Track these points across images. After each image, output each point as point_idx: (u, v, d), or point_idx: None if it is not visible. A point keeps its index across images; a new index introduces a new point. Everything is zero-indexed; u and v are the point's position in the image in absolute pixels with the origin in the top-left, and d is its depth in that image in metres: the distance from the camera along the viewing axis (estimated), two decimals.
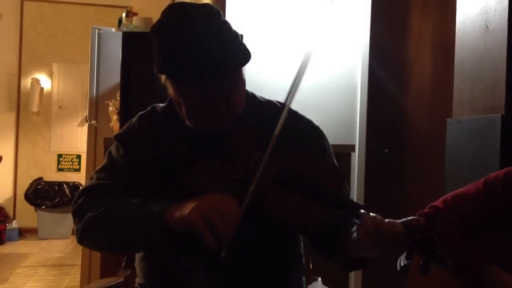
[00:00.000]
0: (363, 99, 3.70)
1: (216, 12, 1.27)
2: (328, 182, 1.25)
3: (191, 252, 1.29)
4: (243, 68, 1.33)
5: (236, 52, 1.27)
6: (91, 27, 3.89)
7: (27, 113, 6.71)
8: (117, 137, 1.49)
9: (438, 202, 1.68)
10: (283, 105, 1.33)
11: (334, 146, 1.54)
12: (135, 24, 3.68)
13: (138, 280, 1.48)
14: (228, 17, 1.32)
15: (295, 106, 1.48)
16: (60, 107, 6.77)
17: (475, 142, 2.39)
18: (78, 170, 6.72)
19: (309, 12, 3.60)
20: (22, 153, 6.73)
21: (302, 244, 1.50)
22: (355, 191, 3.66)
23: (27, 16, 6.68)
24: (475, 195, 1.63)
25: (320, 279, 1.90)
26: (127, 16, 3.86)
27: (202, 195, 1.24)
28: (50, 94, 6.78)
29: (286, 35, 3.60)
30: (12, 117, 6.69)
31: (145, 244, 1.32)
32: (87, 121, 3.90)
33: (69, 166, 6.78)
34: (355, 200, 3.40)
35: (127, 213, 1.28)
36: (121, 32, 3.40)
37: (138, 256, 1.48)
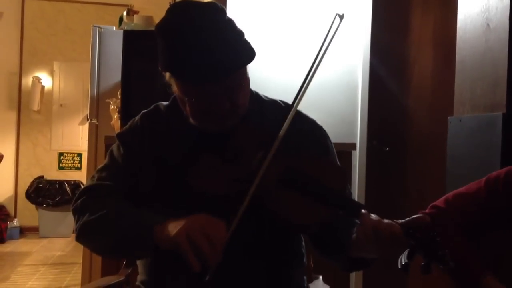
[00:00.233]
0: (364, 97, 3.70)
1: (221, 10, 1.28)
2: (331, 182, 1.25)
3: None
4: (247, 66, 1.33)
5: (240, 50, 1.28)
6: (92, 25, 3.89)
7: (28, 112, 6.71)
8: (119, 135, 1.49)
9: (440, 202, 1.68)
10: (290, 106, 1.33)
11: (335, 144, 1.54)
12: (136, 23, 3.67)
13: (140, 277, 1.48)
14: (230, 16, 1.33)
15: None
16: (61, 105, 6.77)
17: (476, 141, 2.39)
18: (79, 168, 6.72)
19: (312, 12, 3.60)
20: (23, 151, 6.73)
21: (303, 243, 1.50)
22: (356, 190, 3.66)
23: (28, 15, 6.68)
24: (476, 194, 1.62)
25: (321, 277, 1.90)
26: (128, 14, 3.86)
27: (203, 194, 1.24)
28: (51, 92, 6.78)
29: (288, 33, 3.60)
30: (13, 115, 6.69)
31: (134, 256, 1.36)
32: (88, 120, 3.91)
33: (70, 165, 6.79)
34: (356, 199, 3.40)
35: (119, 224, 1.28)
36: (122, 31, 3.41)
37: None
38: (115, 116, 3.48)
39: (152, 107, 1.52)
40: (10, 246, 5.90)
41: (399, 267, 1.17)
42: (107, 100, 3.61)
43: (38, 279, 4.63)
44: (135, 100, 3.06)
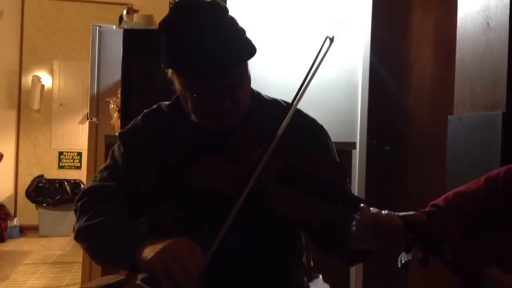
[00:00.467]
0: (364, 96, 3.70)
1: (223, 9, 1.30)
2: (330, 177, 1.26)
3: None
4: (248, 65, 1.34)
5: (241, 47, 1.29)
6: (92, 24, 3.89)
7: (28, 111, 6.71)
8: (120, 135, 1.51)
9: (440, 201, 1.68)
10: (289, 105, 1.34)
11: (335, 143, 1.54)
12: (136, 21, 3.67)
13: (140, 275, 1.48)
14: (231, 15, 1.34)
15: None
16: (61, 104, 6.76)
17: (476, 139, 2.39)
18: (79, 167, 6.72)
19: (312, 11, 3.60)
20: (23, 150, 6.73)
21: (303, 241, 1.50)
22: (356, 189, 3.66)
23: (27, 14, 6.67)
24: (476, 193, 1.63)
25: (321, 276, 1.90)
26: (128, 13, 3.86)
27: (204, 191, 1.25)
28: (51, 91, 6.78)
29: (288, 33, 3.60)
30: (13, 114, 6.69)
31: (117, 267, 1.39)
32: (88, 119, 3.91)
33: (70, 164, 6.79)
34: None
35: (108, 238, 1.30)
36: (122, 30, 3.40)
37: None
38: (115, 115, 3.48)
39: (154, 106, 1.53)
40: (10, 245, 5.90)
41: (399, 266, 1.17)
42: (107, 99, 3.61)
43: (38, 278, 4.63)
44: (135, 99, 3.06)
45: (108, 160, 1.48)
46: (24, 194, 6.47)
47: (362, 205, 1.18)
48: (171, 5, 3.33)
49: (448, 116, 2.70)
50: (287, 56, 3.58)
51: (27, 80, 6.70)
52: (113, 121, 3.52)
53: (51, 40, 6.71)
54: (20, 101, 6.71)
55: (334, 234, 1.32)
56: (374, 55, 3.69)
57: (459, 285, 1.57)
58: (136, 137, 1.45)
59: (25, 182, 6.58)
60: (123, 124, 2.96)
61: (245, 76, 1.34)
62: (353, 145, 3.45)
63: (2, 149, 6.21)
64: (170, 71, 1.34)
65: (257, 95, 1.49)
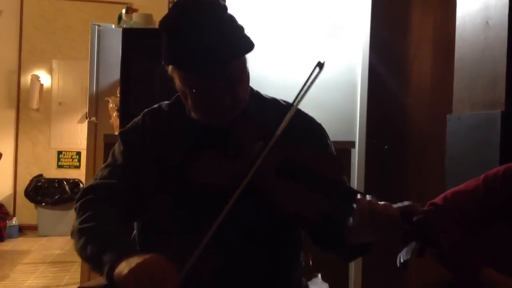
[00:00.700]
0: (363, 95, 3.70)
1: (222, 7, 1.33)
2: (328, 171, 1.27)
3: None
4: (247, 62, 1.36)
5: (239, 42, 1.32)
6: (91, 23, 3.89)
7: (27, 110, 6.71)
8: (120, 134, 1.52)
9: (438, 199, 1.68)
10: (290, 105, 1.35)
11: (334, 142, 1.55)
12: (135, 21, 3.67)
13: None
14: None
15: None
16: (60, 104, 6.76)
17: (475, 139, 2.39)
18: (78, 167, 6.72)
19: (311, 10, 3.59)
20: (22, 150, 6.73)
21: (302, 239, 1.51)
22: (355, 188, 3.66)
23: (26, 13, 6.67)
24: (475, 192, 1.63)
25: (320, 275, 1.91)
26: (127, 12, 3.86)
27: (205, 187, 1.26)
28: (50, 90, 6.77)
29: (288, 32, 3.60)
30: (12, 114, 6.68)
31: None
32: (87, 118, 3.90)
33: (69, 163, 6.78)
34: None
35: (96, 245, 1.31)
36: (121, 29, 3.40)
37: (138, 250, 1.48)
38: (114, 114, 3.48)
39: (155, 106, 1.54)
40: (9, 245, 5.90)
41: (398, 265, 1.18)
42: (106, 99, 3.61)
43: (37, 278, 4.63)
44: (134, 98, 3.06)
45: (109, 159, 1.49)
46: (23, 194, 6.47)
47: (359, 195, 1.19)
48: (170, 4, 3.33)
49: (447, 115, 2.70)
50: (286, 55, 3.57)
51: (26, 79, 6.69)
52: (112, 120, 3.52)
53: (50, 39, 6.70)
54: (19, 100, 6.71)
55: (333, 230, 1.33)
56: (374, 54, 3.68)
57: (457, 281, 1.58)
58: (137, 136, 1.47)
59: (24, 181, 6.58)
60: (122, 124, 2.95)
61: (244, 72, 1.36)
62: (352, 144, 3.45)
63: (1, 149, 6.21)
64: (170, 68, 1.36)
65: (256, 94, 1.51)
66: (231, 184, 1.25)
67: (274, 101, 1.51)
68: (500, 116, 2.17)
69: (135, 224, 1.49)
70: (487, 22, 2.37)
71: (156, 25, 1.37)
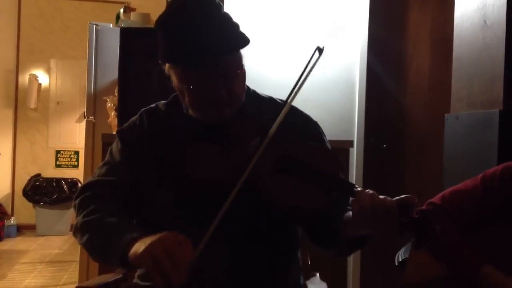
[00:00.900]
0: (361, 94, 3.70)
1: (218, 5, 1.35)
2: (324, 165, 1.28)
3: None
4: (243, 60, 1.38)
5: (234, 37, 1.35)
6: (88, 23, 3.88)
7: (25, 109, 6.70)
8: (118, 132, 1.54)
9: (436, 199, 1.69)
10: (284, 102, 1.36)
11: (332, 141, 1.55)
12: (133, 20, 3.67)
13: (138, 272, 1.50)
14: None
15: (294, 101, 1.48)
16: (58, 103, 6.75)
17: (473, 138, 2.39)
18: (77, 166, 6.71)
19: (309, 9, 3.60)
20: (20, 149, 6.71)
21: (299, 237, 1.51)
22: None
23: (24, 12, 6.65)
24: (473, 191, 1.63)
25: (318, 274, 1.91)
26: (124, 11, 3.85)
27: (202, 182, 1.27)
28: (48, 90, 6.76)
29: (285, 31, 3.60)
30: (10, 113, 6.67)
31: (110, 264, 1.39)
32: (85, 117, 3.90)
33: (67, 163, 6.78)
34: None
35: (102, 234, 1.32)
36: (119, 28, 3.40)
37: None
38: (112, 113, 3.48)
39: (152, 105, 1.56)
40: (7, 244, 5.89)
41: (396, 264, 1.18)
42: (104, 98, 3.61)
43: (36, 277, 4.63)
44: (132, 98, 3.05)
45: (107, 157, 1.50)
46: (21, 193, 6.46)
47: (357, 187, 1.20)
48: (168, 3, 3.32)
49: (445, 115, 2.70)
50: (284, 54, 3.58)
51: (24, 78, 6.68)
52: (110, 119, 3.52)
53: (48, 39, 6.69)
54: (17, 99, 6.70)
55: (330, 226, 1.33)
56: (372, 54, 3.69)
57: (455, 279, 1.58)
58: (135, 135, 1.48)
59: (22, 181, 6.57)
60: (120, 123, 2.95)
61: (240, 69, 1.37)
62: (350, 143, 3.45)
63: None
64: (167, 66, 1.38)
65: (253, 93, 1.52)
66: (229, 180, 1.25)
67: (270, 100, 1.53)
68: (498, 115, 2.17)
69: (134, 222, 1.49)
70: (485, 21, 2.37)
71: (154, 23, 1.38)
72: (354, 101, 3.71)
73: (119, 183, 1.42)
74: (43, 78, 6.75)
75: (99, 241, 1.32)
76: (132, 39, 3.11)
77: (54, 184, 6.41)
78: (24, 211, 6.54)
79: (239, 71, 1.37)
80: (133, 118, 1.54)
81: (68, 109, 6.73)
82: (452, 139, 2.61)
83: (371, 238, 1.31)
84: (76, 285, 2.74)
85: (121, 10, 3.89)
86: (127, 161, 1.45)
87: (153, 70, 1.37)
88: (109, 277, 1.71)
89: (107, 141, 2.81)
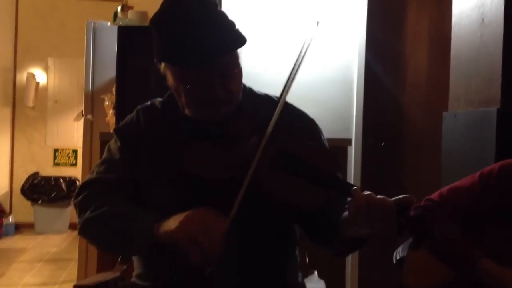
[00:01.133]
0: (360, 93, 3.70)
1: (213, 3, 1.34)
2: (322, 164, 1.28)
3: None
4: (240, 58, 1.37)
5: (230, 36, 1.33)
6: (86, 21, 3.88)
7: (22, 108, 6.69)
8: (116, 130, 1.53)
9: (434, 195, 1.69)
10: (279, 97, 1.36)
11: (330, 140, 1.55)
12: (131, 18, 3.66)
13: (135, 272, 1.50)
14: (224, 11, 1.37)
15: (292, 100, 1.49)
16: (56, 101, 6.75)
17: (471, 136, 2.40)
18: (75, 164, 6.71)
19: (306, 7, 3.60)
20: (18, 148, 6.71)
21: (297, 234, 1.51)
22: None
23: (22, 11, 6.65)
24: (470, 188, 1.64)
25: (316, 272, 1.91)
26: (122, 10, 3.85)
27: (200, 180, 1.27)
28: (45, 88, 6.76)
29: (281, 29, 3.60)
30: (7, 112, 6.66)
31: (133, 253, 1.43)
32: (83, 116, 3.90)
33: (65, 161, 6.77)
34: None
35: (118, 222, 1.32)
36: (116, 26, 3.39)
37: None
38: (110, 112, 3.47)
39: (148, 102, 1.55)
40: (5, 243, 5.89)
41: (394, 262, 1.18)
42: (102, 96, 3.61)
43: (34, 276, 4.62)
44: (130, 96, 3.05)
45: (105, 154, 1.49)
46: (19, 191, 6.45)
47: (354, 188, 1.20)
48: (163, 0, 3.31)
49: (443, 113, 2.71)
50: (280, 52, 3.57)
51: (22, 77, 6.68)
52: (108, 118, 3.51)
53: (45, 37, 6.68)
54: (14, 98, 6.69)
55: (328, 225, 1.34)
56: (369, 52, 3.69)
57: (454, 274, 1.58)
58: (132, 132, 1.48)
59: (20, 179, 6.56)
60: (118, 121, 2.95)
61: (237, 68, 1.37)
62: (348, 141, 3.45)
63: None
64: (162, 66, 1.36)
65: (249, 91, 1.52)
66: (226, 177, 1.26)
67: (266, 97, 1.52)
68: (496, 114, 2.18)
69: None
70: (482, 19, 2.38)
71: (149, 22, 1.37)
72: (352, 100, 3.71)
73: (119, 181, 1.42)
74: (41, 77, 6.75)
75: (115, 231, 1.32)
76: (129, 37, 3.11)
77: (52, 183, 6.40)
78: (22, 210, 6.54)
79: (236, 70, 1.37)
80: (130, 115, 1.53)
81: (66, 108, 6.72)
82: (450, 137, 2.62)
83: (370, 238, 1.31)
84: (75, 283, 2.74)
85: (119, 8, 3.89)
86: (125, 158, 1.44)
87: (151, 68, 1.37)
88: (107, 276, 1.72)
89: (105, 139, 2.81)
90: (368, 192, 1.18)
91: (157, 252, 1.29)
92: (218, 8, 1.36)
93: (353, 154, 3.68)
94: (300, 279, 1.53)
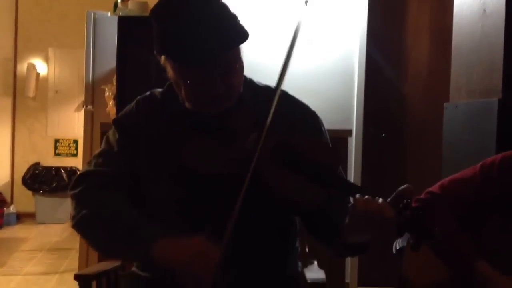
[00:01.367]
0: (360, 84, 3.70)
1: None
2: (323, 160, 1.27)
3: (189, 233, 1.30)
4: (241, 51, 1.34)
5: (233, 32, 1.29)
6: (86, 11, 3.86)
7: (23, 98, 6.69)
8: (114, 121, 1.50)
9: (435, 188, 1.68)
10: (276, 86, 1.34)
11: (331, 131, 1.54)
12: (131, 8, 3.65)
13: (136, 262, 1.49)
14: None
15: (292, 90, 1.48)
16: (56, 92, 6.74)
17: (472, 127, 2.40)
18: (75, 155, 6.71)
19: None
20: (19, 138, 6.71)
21: (297, 226, 1.51)
22: (352, 176, 3.67)
23: (22, 1, 6.61)
24: (471, 180, 1.63)
25: (316, 262, 1.92)
26: (122, 0, 3.83)
27: (200, 175, 1.26)
28: (46, 79, 6.74)
29: (282, 20, 3.58)
30: (8, 102, 6.66)
31: (125, 260, 1.43)
32: (83, 106, 3.90)
33: (66, 151, 6.78)
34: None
35: (115, 230, 1.30)
36: (116, 17, 3.38)
37: None
38: (111, 102, 3.47)
39: (147, 93, 1.52)
40: (7, 232, 5.91)
41: (394, 251, 1.18)
42: (103, 87, 3.60)
43: (35, 265, 4.64)
44: (130, 87, 3.05)
45: (103, 146, 1.47)
46: (20, 181, 6.46)
47: (357, 196, 1.19)
48: None
49: (444, 104, 2.70)
50: (282, 43, 3.56)
51: (22, 67, 6.66)
52: (108, 108, 3.51)
53: (46, 27, 6.66)
54: (15, 88, 6.68)
55: (328, 223, 1.33)
56: (371, 43, 3.68)
57: (452, 272, 1.58)
58: (131, 123, 1.45)
59: (21, 169, 6.57)
60: (118, 112, 2.94)
61: (238, 62, 1.34)
62: (349, 132, 3.45)
63: None
64: (163, 58, 1.33)
65: (249, 82, 1.49)
66: (226, 172, 1.25)
67: (267, 89, 1.49)
68: (497, 104, 2.17)
69: None
70: (484, 10, 2.37)
71: (149, 13, 1.35)
72: (353, 91, 3.71)
73: (117, 174, 1.40)
74: (41, 67, 6.73)
75: (111, 239, 1.30)
76: (130, 28, 3.10)
77: (53, 173, 6.42)
78: (24, 199, 6.55)
79: (238, 65, 1.33)
80: (129, 106, 1.50)
81: (66, 98, 6.71)
82: (451, 128, 2.61)
83: (370, 245, 1.30)
84: (76, 272, 2.74)
85: None
86: (124, 151, 1.42)
87: (151, 59, 1.35)
88: (108, 265, 1.72)
89: (105, 130, 2.79)
90: (368, 200, 1.17)
91: (152, 266, 1.30)
92: (220, 1, 1.31)
93: (354, 144, 3.68)
94: (300, 269, 1.53)
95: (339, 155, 1.34)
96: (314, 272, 1.83)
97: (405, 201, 1.15)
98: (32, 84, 6.62)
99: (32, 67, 6.65)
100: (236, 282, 1.35)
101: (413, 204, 1.17)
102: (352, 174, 3.67)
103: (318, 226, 1.39)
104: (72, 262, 4.58)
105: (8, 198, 6.59)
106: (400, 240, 1.66)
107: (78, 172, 1.52)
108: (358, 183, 3.67)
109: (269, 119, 1.27)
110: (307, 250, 1.89)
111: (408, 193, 1.16)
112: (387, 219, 1.14)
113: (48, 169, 6.45)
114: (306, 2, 1.34)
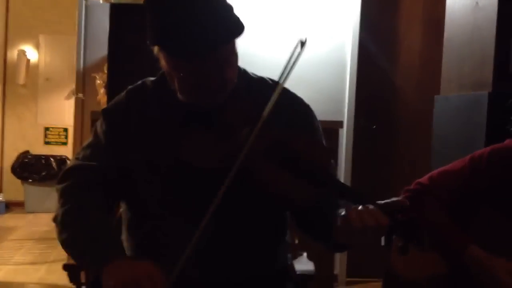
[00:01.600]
0: (352, 75, 3.70)
1: None
2: (315, 158, 1.26)
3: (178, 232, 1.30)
4: (236, 43, 1.31)
5: (229, 24, 1.26)
6: None
7: (13, 86, 6.63)
8: (104, 112, 1.47)
9: (424, 179, 1.69)
10: (276, 83, 1.33)
11: (322, 122, 1.53)
12: None
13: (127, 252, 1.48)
14: None
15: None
16: (47, 79, 6.68)
17: (462, 119, 2.41)
18: (65, 143, 6.67)
19: None
20: (8, 126, 6.66)
21: (287, 220, 1.51)
22: (343, 167, 3.68)
23: None
24: (460, 172, 1.64)
25: (305, 254, 1.92)
26: None
27: (192, 168, 1.24)
28: (36, 66, 6.69)
29: (276, 10, 3.57)
30: None
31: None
32: (74, 94, 3.87)
33: (56, 140, 6.73)
34: (342, 177, 3.41)
35: (81, 236, 1.30)
36: (108, 4, 3.35)
37: (124, 233, 1.47)
38: (101, 91, 3.46)
39: (139, 82, 1.49)
40: None
41: (382, 244, 1.18)
42: (93, 75, 3.58)
43: (24, 254, 4.63)
44: (121, 75, 3.03)
45: (91, 138, 1.44)
46: (9, 170, 6.42)
47: (348, 208, 1.19)
48: None
49: (435, 96, 2.71)
50: (275, 33, 3.56)
51: (13, 54, 6.60)
52: (99, 97, 3.50)
53: (37, 14, 6.59)
54: (5, 75, 6.62)
55: (319, 221, 1.33)
56: (363, 33, 3.68)
57: (442, 262, 1.59)
58: (120, 114, 1.42)
59: (10, 157, 6.52)
60: (109, 100, 2.93)
61: (233, 54, 1.31)
62: (340, 124, 3.46)
63: None
64: (156, 48, 1.30)
65: (243, 73, 1.46)
66: (218, 165, 1.23)
67: (261, 80, 1.47)
68: (487, 97, 2.18)
69: (122, 206, 1.47)
70: (476, 3, 2.37)
71: (142, 1, 1.32)
72: (345, 81, 3.71)
73: (104, 168, 1.37)
74: (32, 54, 6.67)
75: (78, 246, 1.30)
76: (122, 15, 3.08)
77: (43, 161, 6.38)
78: (13, 188, 6.51)
79: (232, 57, 1.31)
80: (119, 96, 1.46)
81: (57, 86, 6.66)
82: (441, 120, 2.62)
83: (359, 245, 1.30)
84: (65, 262, 2.74)
85: None
86: (112, 143, 1.39)
87: (144, 47, 1.33)
88: None
89: (96, 118, 2.77)
90: (360, 209, 1.16)
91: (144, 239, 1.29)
92: None
93: (345, 136, 3.68)
94: (289, 261, 1.53)
95: (331, 153, 1.33)
96: (303, 264, 1.84)
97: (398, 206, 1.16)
98: (22, 71, 6.56)
99: (22, 54, 6.59)
100: (226, 275, 1.35)
101: (403, 194, 1.17)
102: (343, 165, 3.67)
103: (309, 223, 1.39)
104: (61, 252, 4.52)
105: None
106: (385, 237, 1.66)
107: (68, 163, 1.50)
108: (349, 174, 3.68)
109: (264, 116, 1.26)
110: (296, 241, 1.90)
111: (404, 208, 1.17)
112: (380, 226, 1.14)
113: (38, 157, 6.41)
114: (303, 44, 1.31)
